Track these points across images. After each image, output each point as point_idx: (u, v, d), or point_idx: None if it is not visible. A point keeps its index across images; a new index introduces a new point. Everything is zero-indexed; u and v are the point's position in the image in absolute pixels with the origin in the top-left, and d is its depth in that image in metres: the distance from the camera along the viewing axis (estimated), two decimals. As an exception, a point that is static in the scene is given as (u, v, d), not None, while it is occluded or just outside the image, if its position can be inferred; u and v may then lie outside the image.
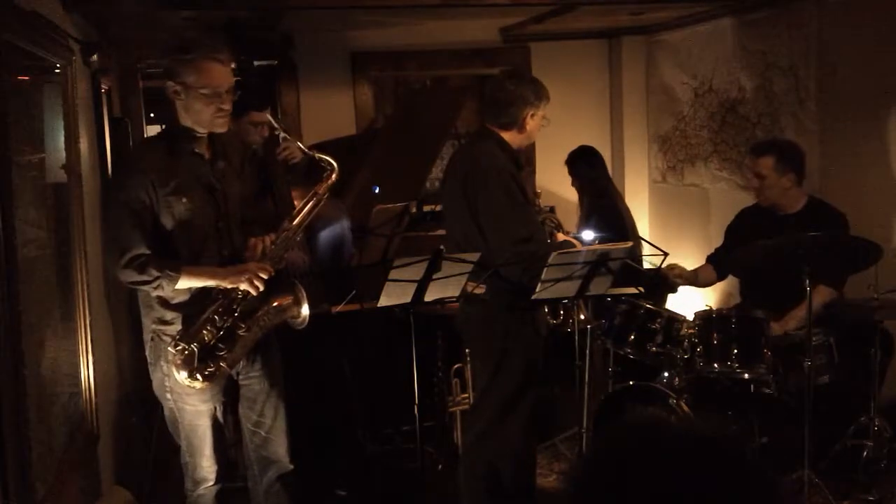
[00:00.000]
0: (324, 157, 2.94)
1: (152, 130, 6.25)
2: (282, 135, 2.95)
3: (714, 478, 0.92)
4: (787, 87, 4.57)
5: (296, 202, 3.31)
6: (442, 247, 2.97)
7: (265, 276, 2.75)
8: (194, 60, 2.67)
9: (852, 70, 4.22)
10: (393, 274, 2.86)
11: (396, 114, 5.65)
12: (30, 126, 2.59)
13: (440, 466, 4.06)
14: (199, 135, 2.77)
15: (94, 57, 3.45)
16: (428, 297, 3.00)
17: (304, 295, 2.87)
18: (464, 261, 2.97)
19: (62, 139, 2.95)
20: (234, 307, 2.76)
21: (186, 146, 2.77)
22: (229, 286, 2.74)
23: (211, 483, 2.90)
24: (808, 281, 3.20)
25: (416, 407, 3.20)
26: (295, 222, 2.89)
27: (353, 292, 3.10)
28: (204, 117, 2.72)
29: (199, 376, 2.72)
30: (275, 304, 2.86)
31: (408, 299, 2.98)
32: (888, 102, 4.09)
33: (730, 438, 0.96)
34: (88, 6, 3.45)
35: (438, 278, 2.95)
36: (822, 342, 3.50)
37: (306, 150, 2.99)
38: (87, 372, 2.97)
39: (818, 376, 3.43)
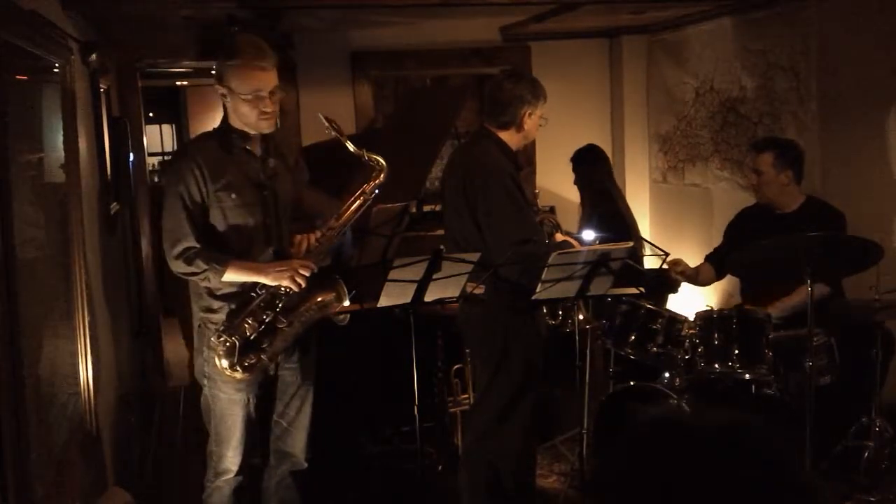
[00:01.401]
0: (373, 156, 2.95)
1: (152, 130, 6.25)
2: (333, 134, 2.94)
3: (743, 472, 0.90)
4: (788, 86, 4.56)
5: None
6: (442, 247, 2.96)
7: (307, 274, 2.80)
8: (237, 66, 2.76)
9: (853, 70, 4.21)
10: (393, 274, 2.86)
11: (396, 114, 5.64)
12: (28, 125, 2.58)
13: (440, 467, 4.06)
14: (250, 133, 2.85)
15: (93, 56, 3.44)
16: (428, 298, 2.99)
17: (346, 291, 2.93)
18: (464, 261, 2.96)
19: (61, 138, 2.95)
20: (277, 302, 2.83)
21: (238, 143, 2.85)
22: (272, 282, 2.80)
23: (232, 475, 2.96)
24: (809, 281, 3.19)
25: (415, 407, 3.19)
26: (341, 221, 2.92)
27: (353, 292, 3.10)
28: (249, 120, 2.81)
29: (238, 368, 2.80)
30: (317, 300, 2.91)
31: (408, 299, 2.98)
32: (889, 102, 4.08)
33: (754, 430, 0.95)
34: (87, 5, 3.44)
35: (438, 278, 2.94)
36: (823, 343, 3.49)
37: (354, 150, 2.96)
38: (86, 372, 2.96)
39: (819, 377, 3.42)
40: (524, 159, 5.51)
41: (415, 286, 2.94)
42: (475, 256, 2.97)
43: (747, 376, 3.47)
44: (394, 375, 3.66)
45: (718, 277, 4.04)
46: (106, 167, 3.83)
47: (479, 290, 3.17)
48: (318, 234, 2.90)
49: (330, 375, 4.10)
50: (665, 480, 0.91)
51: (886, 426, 3.58)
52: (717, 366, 3.49)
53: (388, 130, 5.22)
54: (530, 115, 3.22)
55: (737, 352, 3.46)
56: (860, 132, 4.23)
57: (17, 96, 2.36)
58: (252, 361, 2.82)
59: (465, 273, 2.99)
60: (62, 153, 2.95)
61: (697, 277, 4.01)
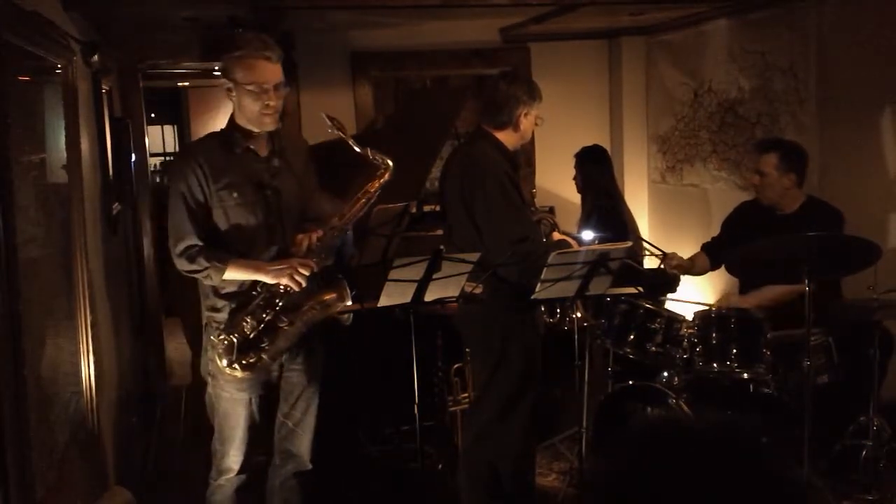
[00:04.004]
0: (379, 155, 2.94)
1: (153, 130, 6.27)
2: (336, 133, 2.94)
3: (735, 478, 0.92)
4: (787, 87, 4.57)
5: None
6: (442, 247, 2.97)
7: (307, 273, 2.79)
8: (242, 57, 2.77)
9: (851, 70, 4.22)
10: (393, 274, 2.87)
11: (396, 114, 5.66)
12: (31, 126, 2.60)
13: (440, 466, 4.07)
14: (255, 132, 2.84)
15: (95, 57, 3.45)
16: (428, 297, 3.00)
17: (348, 292, 2.93)
18: (464, 261, 2.97)
19: (63, 139, 2.96)
20: (277, 301, 2.82)
21: (241, 143, 2.84)
22: (271, 281, 2.80)
23: (233, 474, 2.96)
24: (807, 281, 3.20)
25: (416, 407, 3.20)
26: (344, 220, 2.92)
27: (354, 292, 3.11)
28: (251, 114, 2.80)
29: (237, 366, 2.81)
30: (319, 299, 2.91)
31: (408, 299, 2.98)
32: (886, 102, 4.09)
33: (748, 436, 0.96)
34: (89, 6, 3.46)
35: (438, 278, 2.95)
36: (821, 342, 3.50)
37: (360, 149, 2.97)
38: (87, 371, 2.97)
39: (817, 376, 3.43)
40: (524, 160, 5.53)
41: (415, 286, 2.95)
42: (475, 256, 2.98)
43: (745, 375, 3.48)
44: (394, 375, 3.67)
45: (713, 268, 4.06)
46: (108, 167, 3.85)
47: (479, 290, 3.18)
48: (320, 233, 2.89)
49: (330, 375, 4.12)
50: (658, 482, 0.92)
51: (884, 425, 3.59)
52: (715, 365, 3.50)
53: (389, 130, 5.23)
54: (526, 115, 3.24)
55: (735, 351, 3.47)
56: (858, 132, 4.24)
57: (19, 97, 2.37)
58: (252, 360, 2.82)
59: (464, 273, 3.00)
60: (64, 153, 2.97)
61: (692, 268, 4.03)
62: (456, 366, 4.05)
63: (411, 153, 4.70)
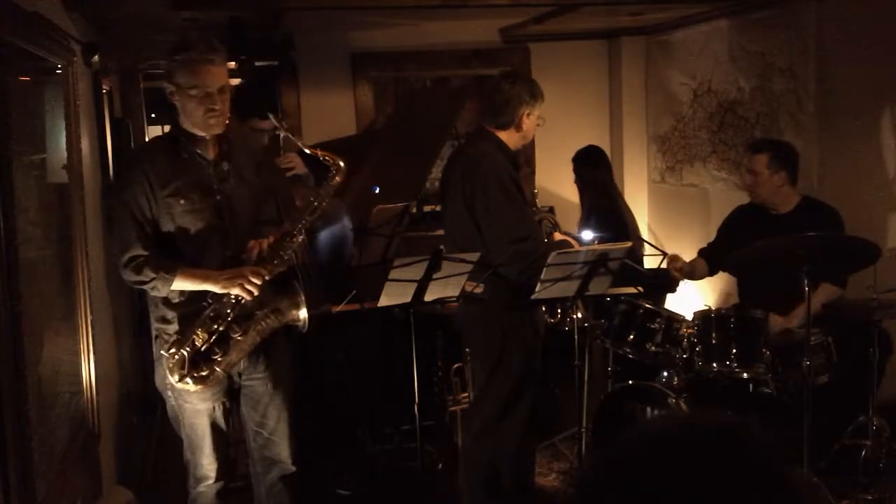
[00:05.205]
0: (328, 156, 2.88)
1: (153, 131, 6.27)
2: (282, 135, 2.91)
3: (731, 474, 0.92)
4: (786, 87, 4.57)
5: (298, 203, 3.31)
6: (442, 247, 2.98)
7: (258, 281, 2.70)
8: (185, 61, 2.68)
9: (851, 70, 4.23)
10: (393, 274, 2.87)
11: (396, 114, 5.66)
12: (31, 126, 2.60)
13: (440, 466, 4.07)
14: (201, 136, 2.77)
15: (96, 57, 3.46)
16: (428, 297, 3.01)
17: (303, 299, 2.84)
18: (464, 261, 2.97)
19: (63, 139, 2.96)
20: (228, 311, 2.74)
21: (188, 148, 2.77)
22: (221, 291, 2.71)
23: (211, 481, 2.92)
24: (806, 281, 3.20)
25: (416, 407, 3.21)
26: (297, 225, 2.82)
27: (354, 292, 3.11)
28: (196, 118, 2.73)
29: (189, 380, 2.74)
30: (273, 308, 2.83)
31: (408, 299, 2.99)
32: (886, 103, 4.10)
33: (747, 435, 0.96)
34: (89, 7, 3.46)
35: (438, 278, 2.96)
36: (820, 342, 3.51)
37: (310, 150, 2.95)
38: (88, 371, 2.97)
39: (817, 376, 3.43)
40: (524, 160, 5.53)
41: (415, 286, 2.96)
42: (475, 256, 2.98)
43: (745, 375, 3.48)
44: (394, 375, 3.68)
45: (711, 273, 4.07)
46: (108, 168, 3.86)
47: (479, 290, 3.19)
48: (272, 239, 2.79)
49: (331, 375, 4.13)
50: (656, 482, 0.93)
51: (884, 425, 3.60)
52: (715, 365, 3.51)
53: (389, 131, 5.23)
54: (528, 115, 3.25)
55: (735, 351, 3.47)
56: (857, 133, 4.24)
57: (19, 97, 2.37)
58: (204, 373, 2.74)
59: (464, 273, 3.00)
60: (65, 154, 2.97)
61: (693, 273, 4.04)
62: (456, 366, 4.06)
63: (411, 153, 4.71)
